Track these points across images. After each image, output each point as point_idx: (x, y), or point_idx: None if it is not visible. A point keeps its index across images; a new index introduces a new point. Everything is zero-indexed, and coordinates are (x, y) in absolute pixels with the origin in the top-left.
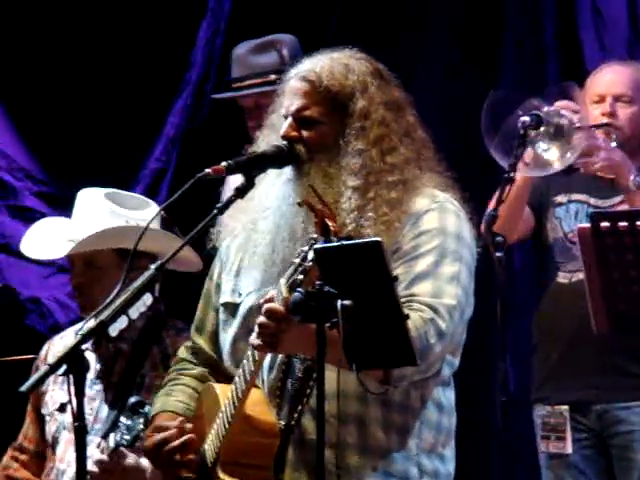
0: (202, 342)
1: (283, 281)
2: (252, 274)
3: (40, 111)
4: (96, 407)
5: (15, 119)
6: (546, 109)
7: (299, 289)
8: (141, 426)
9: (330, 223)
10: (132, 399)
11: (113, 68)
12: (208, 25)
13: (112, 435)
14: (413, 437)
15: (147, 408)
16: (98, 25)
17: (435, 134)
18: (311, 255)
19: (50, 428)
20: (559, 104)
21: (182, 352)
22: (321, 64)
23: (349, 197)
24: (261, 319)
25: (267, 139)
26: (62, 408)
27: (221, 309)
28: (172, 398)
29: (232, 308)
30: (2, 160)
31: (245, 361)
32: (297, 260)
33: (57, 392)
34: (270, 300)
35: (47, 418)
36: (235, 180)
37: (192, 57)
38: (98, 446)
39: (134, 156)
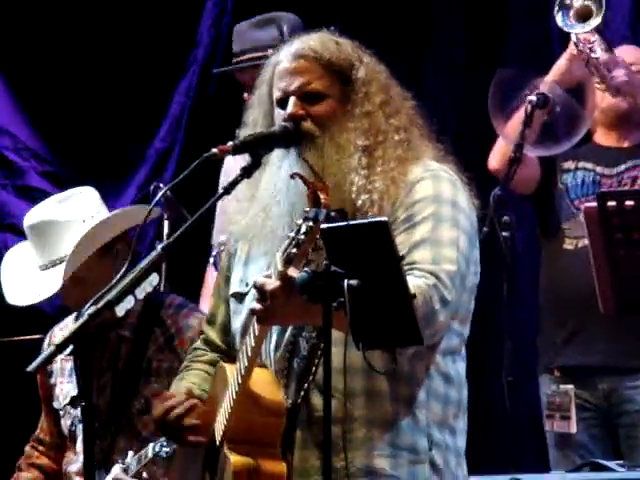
0: (213, 334)
1: (278, 255)
2: (259, 262)
3: (46, 91)
4: (107, 395)
5: (21, 99)
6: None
7: (306, 269)
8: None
9: (322, 195)
10: None
11: (119, 47)
12: (214, 4)
13: (151, 445)
14: (422, 409)
15: None
16: (106, 5)
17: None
18: (304, 228)
19: (65, 422)
20: None
21: (197, 343)
22: (312, 42)
23: (359, 157)
24: (254, 293)
25: (255, 122)
26: (73, 402)
27: (231, 300)
28: (184, 381)
29: (240, 297)
30: (8, 140)
31: (247, 338)
32: (292, 234)
33: (66, 385)
34: (268, 276)
35: (61, 412)
36: (229, 168)
37: (198, 36)
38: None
39: (140, 135)
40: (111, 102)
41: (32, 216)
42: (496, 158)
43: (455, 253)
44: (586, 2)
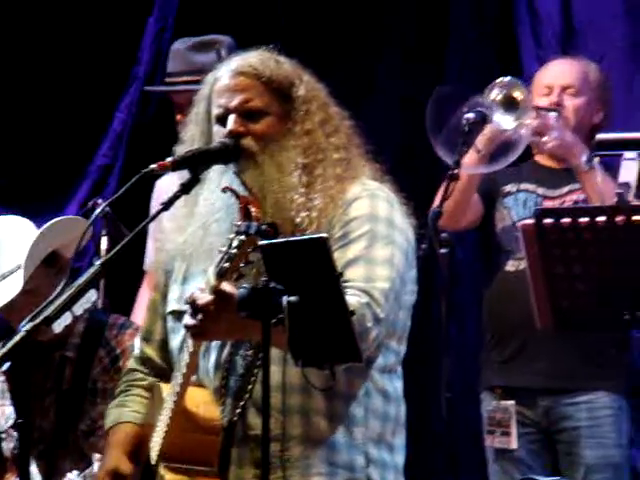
0: (151, 351)
1: (211, 269)
2: (198, 279)
3: None
4: (51, 417)
5: None
6: (498, 81)
7: (245, 285)
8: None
9: (252, 208)
10: None
11: (61, 63)
12: (156, 20)
13: (97, 464)
14: (359, 426)
15: None
16: (47, 19)
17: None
18: (236, 242)
19: (8, 445)
20: (505, 80)
21: (131, 363)
22: (252, 59)
23: (299, 175)
24: (188, 308)
25: (193, 139)
26: (14, 425)
27: (168, 317)
28: (127, 409)
29: (178, 315)
30: None
31: (182, 354)
32: (224, 248)
33: (7, 407)
34: (202, 291)
35: (2, 436)
36: (163, 187)
37: (139, 53)
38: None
39: (82, 152)
40: (52, 118)
41: None
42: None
43: (389, 271)
44: (504, 92)
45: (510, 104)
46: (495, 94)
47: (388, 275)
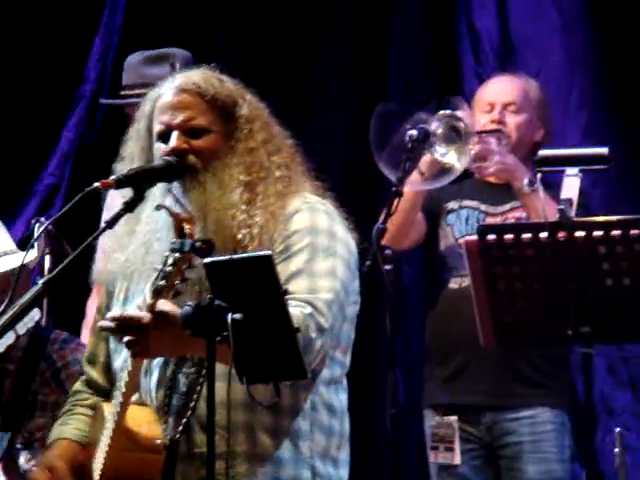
0: (95, 374)
1: (148, 287)
2: (138, 299)
3: None
4: None
5: None
6: (440, 114)
7: (189, 303)
8: None
9: (186, 226)
10: None
11: (7, 82)
12: (101, 40)
13: None
14: (305, 440)
15: None
16: None
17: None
18: (171, 259)
19: None
20: (447, 112)
21: (77, 385)
22: (195, 77)
23: (241, 192)
24: (122, 327)
25: (132, 156)
26: None
27: (111, 338)
28: (68, 427)
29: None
30: None
31: (122, 373)
32: (160, 266)
33: None
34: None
35: None
36: (111, 203)
37: (85, 72)
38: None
39: (29, 170)
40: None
41: None
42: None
43: (332, 283)
44: (446, 125)
45: (452, 136)
46: (436, 127)
47: (331, 286)
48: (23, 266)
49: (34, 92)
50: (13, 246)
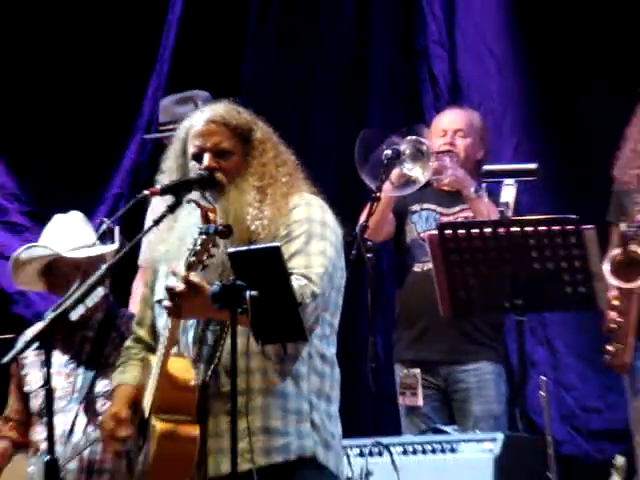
0: (143, 333)
1: (181, 263)
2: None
3: (23, 145)
4: (72, 381)
5: (3, 151)
6: (408, 138)
7: (217, 282)
8: None
9: (211, 215)
10: None
11: (81, 114)
12: (154, 82)
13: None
14: (304, 381)
15: None
16: (67, 72)
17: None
18: (199, 240)
19: (37, 402)
20: (413, 137)
21: (128, 342)
22: (220, 110)
23: (254, 195)
24: (165, 292)
25: (171, 170)
26: (43, 386)
27: (156, 305)
28: (126, 374)
29: (164, 306)
30: None
31: (163, 330)
32: (191, 246)
33: (37, 373)
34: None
35: (31, 395)
36: (156, 206)
37: (142, 107)
38: (77, 413)
39: (100, 183)
40: (76, 157)
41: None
42: (362, 222)
43: (323, 260)
44: (413, 147)
45: (417, 155)
46: (405, 147)
47: (322, 263)
48: (102, 255)
49: (99, 123)
50: (94, 240)
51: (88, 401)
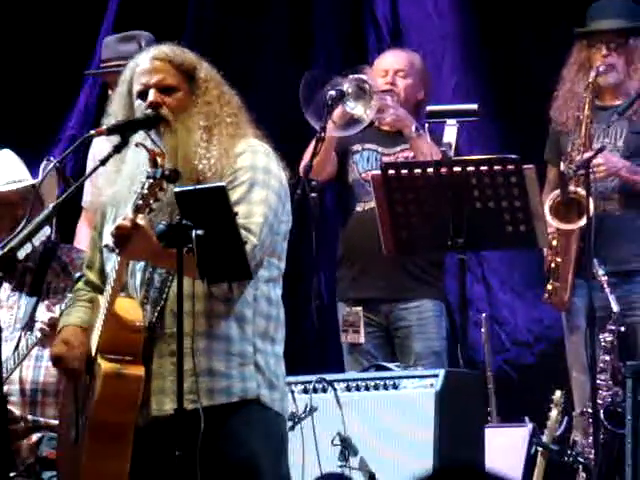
0: (92, 275)
1: (129, 205)
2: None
3: None
4: (15, 312)
5: None
6: (351, 77)
7: (163, 222)
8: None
9: (159, 159)
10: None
11: (36, 57)
12: (106, 23)
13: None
14: (249, 324)
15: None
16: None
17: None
18: (147, 184)
19: None
20: (356, 76)
21: (78, 285)
22: (165, 49)
23: (201, 134)
24: (112, 231)
25: (116, 112)
26: None
27: (104, 249)
28: (72, 316)
29: (111, 248)
30: None
31: (110, 272)
32: (139, 190)
33: None
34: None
35: None
36: (97, 148)
37: (95, 49)
38: (18, 341)
39: (55, 125)
40: (29, 99)
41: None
42: (305, 162)
43: (263, 209)
44: (355, 86)
45: (360, 94)
46: (348, 86)
47: (262, 212)
48: (34, 188)
49: (59, 63)
50: (28, 176)
51: (30, 327)
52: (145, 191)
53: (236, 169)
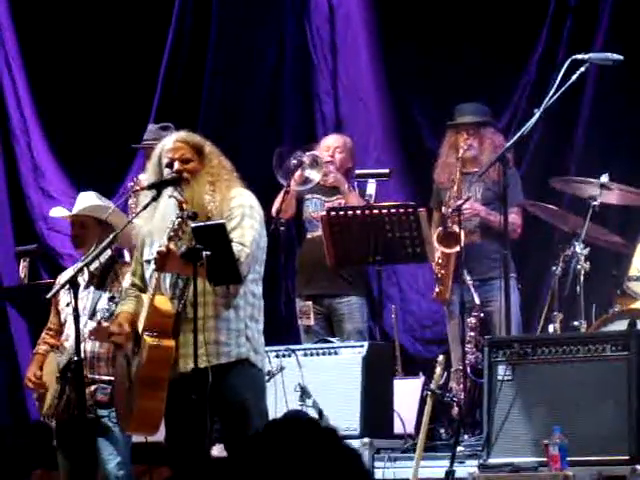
0: (136, 280)
1: (164, 236)
2: (158, 244)
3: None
4: (85, 303)
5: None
6: (308, 153)
7: (184, 246)
8: (113, 308)
9: (184, 205)
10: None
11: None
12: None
13: (99, 314)
14: (240, 309)
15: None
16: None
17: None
18: (177, 222)
19: (63, 316)
20: (311, 152)
21: (127, 285)
22: (182, 134)
23: (208, 188)
24: (155, 255)
25: (150, 175)
26: (67, 305)
27: (145, 263)
28: (125, 306)
29: (149, 262)
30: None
31: (151, 279)
32: (171, 225)
33: (64, 297)
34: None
35: (61, 311)
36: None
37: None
38: (86, 324)
39: (118, 171)
40: (103, 142)
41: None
42: (276, 206)
43: (252, 232)
44: (310, 159)
45: (313, 164)
46: (306, 159)
47: (252, 234)
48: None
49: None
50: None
51: (93, 313)
52: (176, 227)
53: (232, 207)
